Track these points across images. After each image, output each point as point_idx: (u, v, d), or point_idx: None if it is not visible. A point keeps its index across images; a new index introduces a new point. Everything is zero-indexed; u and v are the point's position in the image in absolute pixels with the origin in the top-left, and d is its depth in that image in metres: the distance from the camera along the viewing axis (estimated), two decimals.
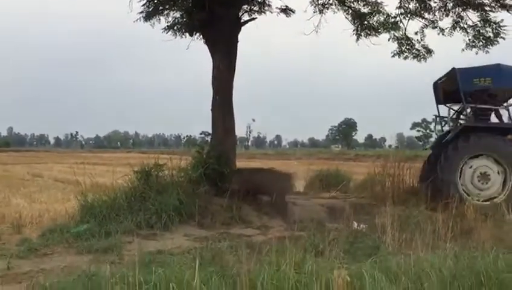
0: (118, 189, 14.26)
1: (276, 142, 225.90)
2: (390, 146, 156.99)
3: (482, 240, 10.63)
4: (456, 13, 18.04)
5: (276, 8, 17.33)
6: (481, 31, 18.08)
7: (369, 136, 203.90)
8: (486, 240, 10.64)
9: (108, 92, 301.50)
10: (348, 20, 18.14)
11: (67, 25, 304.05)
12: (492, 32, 17.95)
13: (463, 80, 16.70)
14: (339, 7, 17.76)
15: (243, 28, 16.77)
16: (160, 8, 16.62)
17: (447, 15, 18.13)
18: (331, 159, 65.59)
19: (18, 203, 20.02)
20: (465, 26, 18.21)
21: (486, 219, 12.89)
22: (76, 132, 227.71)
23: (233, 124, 16.70)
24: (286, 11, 17.30)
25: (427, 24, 18.60)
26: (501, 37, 17.97)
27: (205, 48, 16.91)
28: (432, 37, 19.10)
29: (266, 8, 17.18)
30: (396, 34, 18.84)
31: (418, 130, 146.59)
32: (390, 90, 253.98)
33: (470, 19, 18.02)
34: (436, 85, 18.18)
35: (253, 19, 16.97)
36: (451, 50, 19.93)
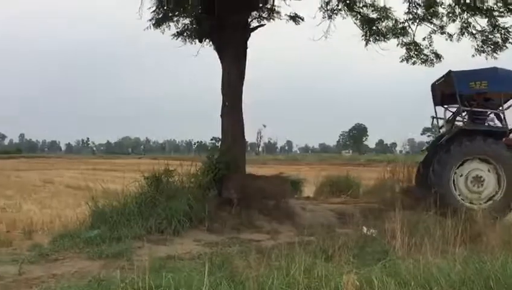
0: (128, 195, 14.31)
1: (287, 147, 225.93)
2: (401, 151, 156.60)
3: (491, 245, 10.64)
4: (464, 19, 18.04)
5: (285, 15, 17.39)
6: (489, 36, 18.06)
7: (380, 142, 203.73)
8: (495, 244, 10.64)
9: (119, 98, 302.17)
10: (357, 26, 18.17)
11: (77, 31, 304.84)
12: (501, 38, 17.93)
13: (459, 83, 16.62)
14: (347, 13, 17.78)
15: (252, 34, 16.85)
16: (170, 14, 16.70)
17: (453, 20, 18.13)
18: (342, 165, 65.50)
19: (29, 209, 20.16)
20: (473, 31, 18.19)
21: (495, 224, 12.88)
22: (88, 138, 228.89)
23: (243, 130, 16.75)
24: (295, 18, 17.34)
25: (435, 30, 18.60)
26: (510, 42, 17.94)
27: (215, 54, 17.02)
28: (441, 42, 19.12)
29: (275, 15, 17.26)
30: (404, 40, 18.84)
31: (429, 136, 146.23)
32: (400, 95, 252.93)
33: (478, 24, 18.02)
34: (433, 86, 18.11)
35: (262, 25, 17.05)
36: (461, 54, 19.88)
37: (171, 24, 16.92)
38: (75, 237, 12.30)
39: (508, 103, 17.48)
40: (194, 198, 14.08)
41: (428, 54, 19.23)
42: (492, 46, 18.25)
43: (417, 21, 18.47)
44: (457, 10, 17.97)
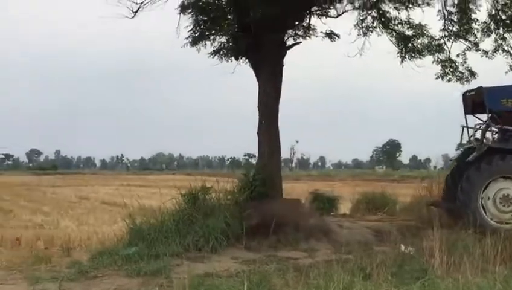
0: (165, 212, 14.39)
1: (319, 163, 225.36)
2: (435, 167, 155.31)
3: None
4: (499, 34, 17.94)
5: (321, 32, 17.38)
6: None
7: (414, 157, 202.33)
8: None
9: (152, 114, 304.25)
10: (392, 43, 18.13)
11: (113, 49, 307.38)
12: None
13: (490, 99, 16.18)
14: (383, 30, 17.77)
15: (288, 51, 16.90)
16: (207, 33, 16.80)
17: (488, 35, 18.04)
18: (376, 181, 65.28)
19: (66, 226, 20.46)
20: (508, 48, 18.07)
21: None
22: (122, 155, 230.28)
23: (279, 147, 16.75)
24: (331, 35, 17.29)
25: (470, 46, 18.51)
26: None
27: (250, 71, 17.10)
28: (475, 59, 19.00)
29: (311, 32, 17.28)
30: (440, 57, 18.76)
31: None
32: (434, 111, 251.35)
33: None
34: (465, 96, 17.56)
35: (298, 43, 17.09)
36: (494, 72, 19.73)
37: (207, 42, 17.01)
38: (114, 254, 12.36)
39: None
40: (230, 215, 14.12)
41: (463, 71, 19.09)
42: None
43: (452, 38, 18.41)
44: (492, 26, 17.91)
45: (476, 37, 18.23)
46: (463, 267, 9.72)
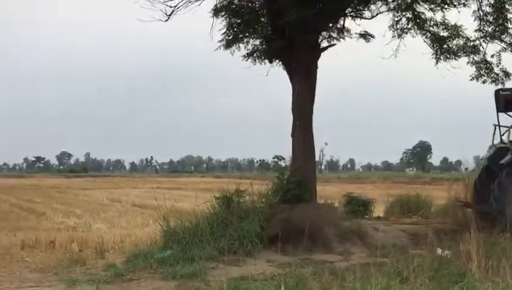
0: (199, 215, 14.39)
1: (349, 165, 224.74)
2: (466, 169, 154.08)
3: None
4: None
5: (355, 33, 17.29)
6: None
7: (445, 159, 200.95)
8: None
9: (181, 116, 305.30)
10: (427, 44, 17.96)
11: (140, 53, 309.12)
12: None
13: None
14: (417, 31, 17.61)
15: (322, 54, 16.81)
16: (240, 36, 16.83)
17: None
18: (406, 183, 64.80)
19: (99, 228, 20.55)
20: None
21: None
22: (151, 157, 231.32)
23: (313, 149, 16.69)
24: (365, 36, 17.17)
25: (505, 47, 18.28)
26: None
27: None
28: (511, 60, 18.75)
29: (345, 34, 17.19)
30: (475, 58, 18.55)
31: None
32: (465, 113, 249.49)
33: None
34: (497, 93, 17.20)
35: (333, 45, 17.00)
36: None
37: (241, 45, 17.02)
38: (149, 257, 12.45)
39: None
40: (265, 218, 14.13)
41: (498, 72, 18.87)
42: None
43: (487, 38, 18.20)
44: None
45: None
46: (502, 271, 9.57)
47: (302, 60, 16.35)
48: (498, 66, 18.66)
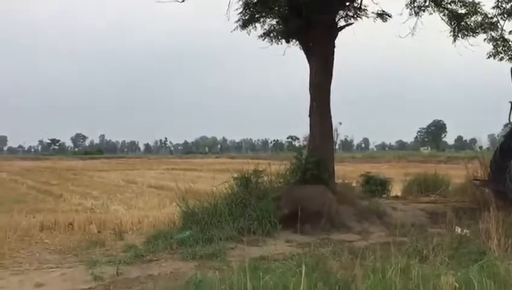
0: (217, 195, 14.40)
1: (363, 145, 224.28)
2: (481, 147, 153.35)
3: None
4: None
5: (372, 13, 17.14)
6: None
7: (459, 138, 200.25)
8: None
9: (195, 97, 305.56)
10: (444, 22, 17.81)
11: (157, 34, 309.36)
12: None
13: None
14: (435, 8, 17.46)
15: (339, 33, 16.68)
16: (257, 16, 16.75)
17: None
18: (421, 162, 64.72)
19: (116, 210, 20.61)
20: None
21: None
22: (166, 138, 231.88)
23: (331, 128, 16.62)
24: (382, 15, 17.03)
25: None
26: None
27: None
28: None
29: (362, 13, 17.05)
30: (493, 35, 18.40)
31: None
32: (480, 91, 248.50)
33: None
34: None
35: (350, 24, 16.85)
36: None
37: (257, 25, 16.95)
38: (168, 238, 12.44)
39: None
40: (277, 198, 14.13)
41: None
42: None
43: (505, 15, 18.03)
44: None
45: None
46: None
47: (319, 40, 16.25)
48: None
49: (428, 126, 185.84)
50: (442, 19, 17.71)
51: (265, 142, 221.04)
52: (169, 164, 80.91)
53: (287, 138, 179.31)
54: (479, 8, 17.50)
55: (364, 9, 17.05)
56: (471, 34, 17.81)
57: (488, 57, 19.00)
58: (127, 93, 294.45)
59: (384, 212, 15.37)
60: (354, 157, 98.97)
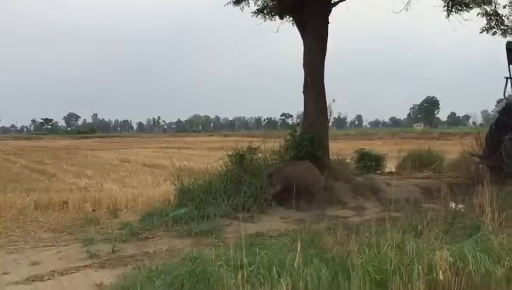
0: (213, 173, 14.40)
1: (356, 122, 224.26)
2: (474, 123, 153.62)
3: None
4: None
5: None
6: None
7: (452, 114, 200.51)
8: None
9: (188, 76, 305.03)
10: None
11: (150, 14, 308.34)
12: None
13: None
14: None
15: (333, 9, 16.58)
16: None
17: None
18: (415, 139, 64.74)
19: (111, 188, 20.57)
20: None
21: None
22: (159, 117, 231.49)
23: (326, 105, 16.52)
24: None
25: None
26: None
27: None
28: None
29: None
30: (487, 9, 18.33)
31: None
32: (472, 67, 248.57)
33: None
34: (509, 46, 16.96)
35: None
36: None
37: (251, 1, 16.87)
38: (164, 216, 12.47)
39: None
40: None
41: (508, 24, 18.69)
42: None
43: None
44: None
45: None
46: None
47: (314, 16, 16.17)
48: (508, 18, 18.49)
49: (422, 102, 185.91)
50: None
51: (258, 120, 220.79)
52: (162, 143, 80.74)
53: (281, 116, 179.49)
54: None
55: None
56: (464, 8, 17.72)
57: (481, 32, 18.95)
58: (119, 73, 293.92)
59: (379, 188, 15.43)
60: (347, 134, 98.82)
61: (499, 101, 18.46)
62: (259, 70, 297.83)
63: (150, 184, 22.40)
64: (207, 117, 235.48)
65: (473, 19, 18.13)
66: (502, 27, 18.72)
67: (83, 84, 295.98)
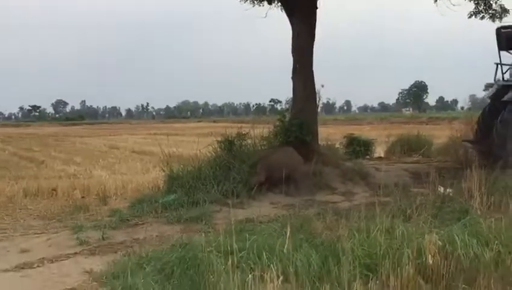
0: (201, 159, 14.38)
1: (345, 107, 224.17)
2: (462, 108, 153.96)
3: None
4: None
5: None
6: None
7: (441, 99, 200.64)
8: None
9: (177, 62, 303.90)
10: None
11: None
12: None
13: None
14: None
15: None
16: None
17: None
18: (404, 123, 64.87)
19: (100, 175, 20.51)
20: None
21: None
22: (147, 103, 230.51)
23: (314, 91, 16.46)
24: None
25: None
26: None
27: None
28: None
29: None
30: None
31: None
32: (461, 52, 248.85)
33: None
34: (499, 31, 17.31)
35: None
36: None
37: None
38: (153, 202, 12.49)
39: None
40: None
41: (496, 8, 18.68)
42: None
43: None
44: None
45: None
46: (504, 208, 9.67)
47: (302, 1, 16.12)
48: (496, 2, 18.47)
49: (410, 87, 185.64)
50: None
51: (247, 106, 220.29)
52: (151, 129, 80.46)
53: (270, 101, 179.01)
54: None
55: None
56: None
57: (470, 16, 18.93)
58: (109, 59, 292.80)
59: (368, 173, 15.47)
60: (336, 120, 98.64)
61: (487, 86, 18.47)
62: (248, 56, 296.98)
63: (139, 171, 22.34)
64: (196, 103, 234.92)
65: (461, 3, 18.12)
66: (490, 11, 18.67)
67: (71, 70, 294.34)
